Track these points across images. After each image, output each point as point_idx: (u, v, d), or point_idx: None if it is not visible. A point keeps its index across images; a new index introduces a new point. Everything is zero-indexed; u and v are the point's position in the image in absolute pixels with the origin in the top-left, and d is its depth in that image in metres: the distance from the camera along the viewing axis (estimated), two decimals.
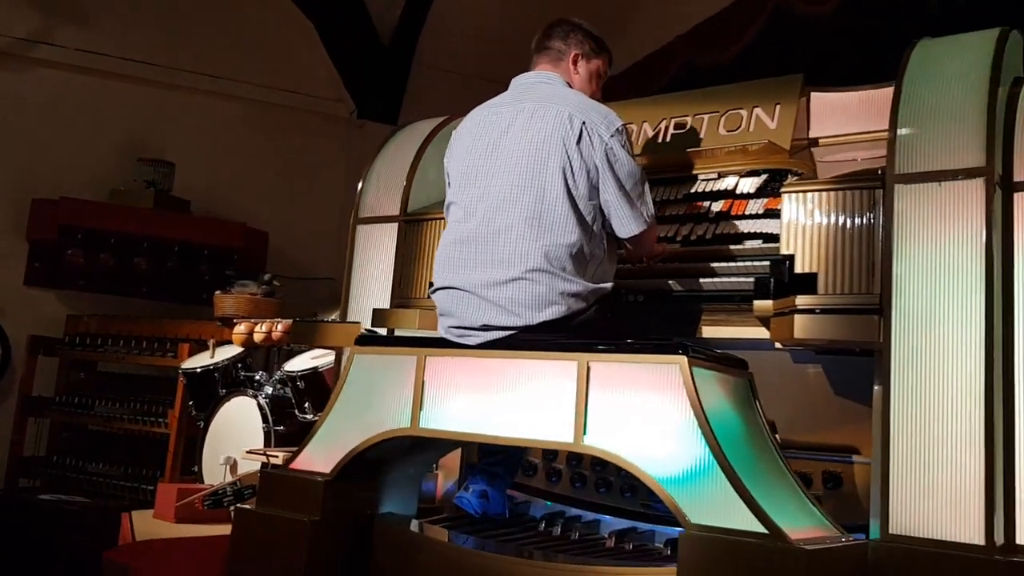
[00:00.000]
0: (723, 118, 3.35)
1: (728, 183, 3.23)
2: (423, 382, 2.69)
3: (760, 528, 2.05)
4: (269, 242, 7.03)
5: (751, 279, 2.89)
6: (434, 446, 2.94)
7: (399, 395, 2.72)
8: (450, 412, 2.64)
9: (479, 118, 2.98)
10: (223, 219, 6.87)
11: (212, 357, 5.45)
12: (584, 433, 2.38)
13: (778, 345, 2.82)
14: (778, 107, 3.23)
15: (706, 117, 3.40)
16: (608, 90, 3.27)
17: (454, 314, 2.81)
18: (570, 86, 2.98)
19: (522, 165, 2.77)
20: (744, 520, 2.08)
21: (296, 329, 4.27)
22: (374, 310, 3.58)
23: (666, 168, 3.40)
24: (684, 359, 2.28)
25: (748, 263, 2.98)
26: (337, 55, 7.40)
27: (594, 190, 2.77)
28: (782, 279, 2.73)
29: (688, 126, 3.42)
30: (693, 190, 3.29)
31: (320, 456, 2.83)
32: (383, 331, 3.44)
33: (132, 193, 6.53)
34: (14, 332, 6.46)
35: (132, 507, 4.94)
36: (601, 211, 2.80)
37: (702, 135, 3.37)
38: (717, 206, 3.18)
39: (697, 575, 2.10)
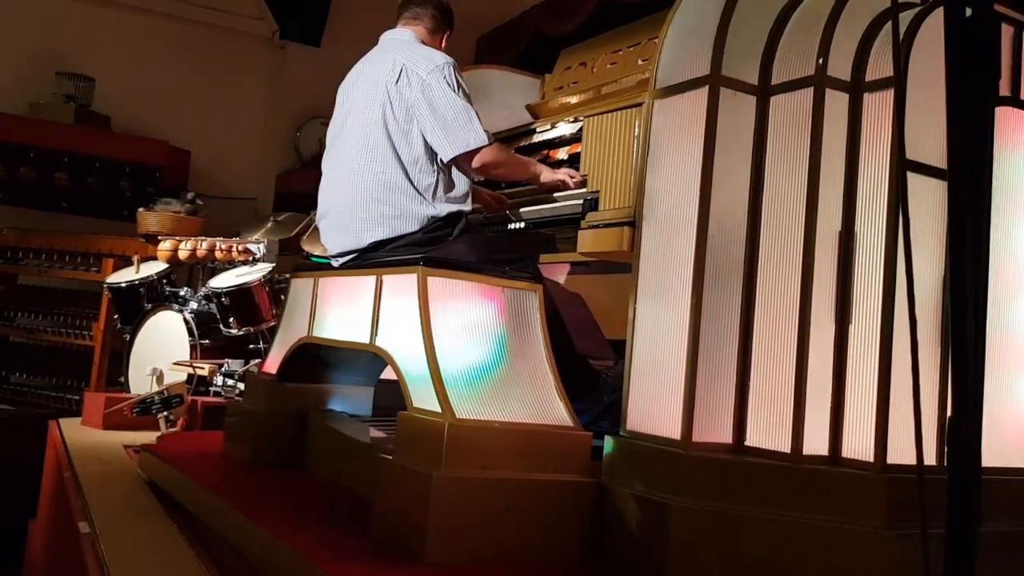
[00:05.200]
0: (642, 49, 3.41)
1: None
2: (316, 299, 3.13)
3: (438, 409, 2.35)
4: (191, 160, 7.04)
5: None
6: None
7: (306, 310, 3.16)
8: (325, 322, 3.06)
9: (353, 69, 3.39)
10: (145, 136, 6.84)
11: (137, 272, 5.53)
12: (376, 335, 2.70)
13: None
14: None
15: (633, 50, 3.48)
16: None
17: (324, 241, 3.28)
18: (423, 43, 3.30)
19: (357, 107, 3.19)
20: (434, 404, 2.37)
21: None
22: None
23: (595, 103, 3.47)
24: (420, 269, 2.54)
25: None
26: None
27: (415, 123, 3.06)
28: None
29: (618, 61, 3.52)
30: None
31: (273, 361, 3.34)
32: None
33: (51, 107, 6.46)
34: None
35: (57, 415, 5.07)
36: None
37: (624, 68, 3.46)
38: None
39: (400, 446, 2.47)
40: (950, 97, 1.41)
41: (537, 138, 3.63)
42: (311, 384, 3.27)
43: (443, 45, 3.41)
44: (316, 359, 3.26)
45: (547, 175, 3.30)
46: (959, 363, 1.40)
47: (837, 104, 2.33)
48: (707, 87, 2.35)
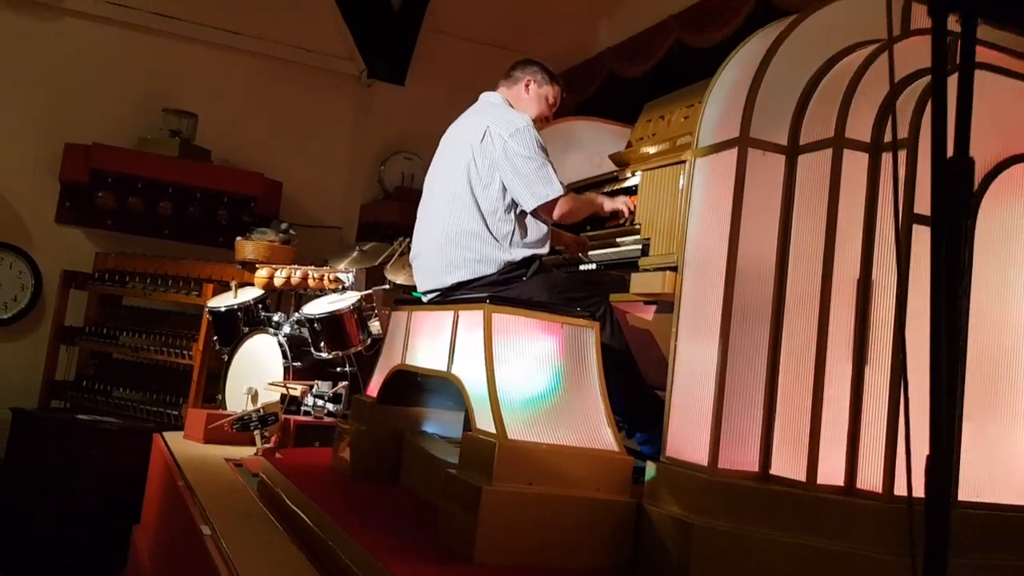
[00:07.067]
0: None
1: None
2: (409, 330, 3.46)
3: (494, 430, 2.62)
4: (282, 191, 7.40)
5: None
6: None
7: (401, 341, 3.51)
8: (415, 352, 3.38)
9: (453, 124, 3.74)
10: (242, 168, 7.23)
11: (235, 297, 5.85)
12: (452, 363, 3.00)
13: None
14: None
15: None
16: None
17: (416, 279, 3.64)
18: (511, 105, 3.67)
19: (447, 165, 3.57)
20: (490, 426, 2.65)
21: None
22: None
23: (668, 154, 3.68)
24: (486, 307, 2.83)
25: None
26: (350, 17, 7.69)
27: (497, 177, 3.40)
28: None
29: (690, 115, 3.72)
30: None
31: (375, 385, 3.70)
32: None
33: (159, 141, 6.85)
34: (45, 266, 6.94)
35: (157, 429, 5.45)
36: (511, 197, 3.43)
37: (695, 122, 3.59)
38: None
39: (462, 462, 2.78)
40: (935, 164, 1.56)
41: (618, 185, 3.90)
42: (408, 407, 3.64)
43: (551, 100, 3.77)
44: (413, 384, 3.60)
45: (608, 204, 3.66)
46: (935, 402, 1.53)
47: (858, 163, 2.52)
48: (736, 148, 2.60)
